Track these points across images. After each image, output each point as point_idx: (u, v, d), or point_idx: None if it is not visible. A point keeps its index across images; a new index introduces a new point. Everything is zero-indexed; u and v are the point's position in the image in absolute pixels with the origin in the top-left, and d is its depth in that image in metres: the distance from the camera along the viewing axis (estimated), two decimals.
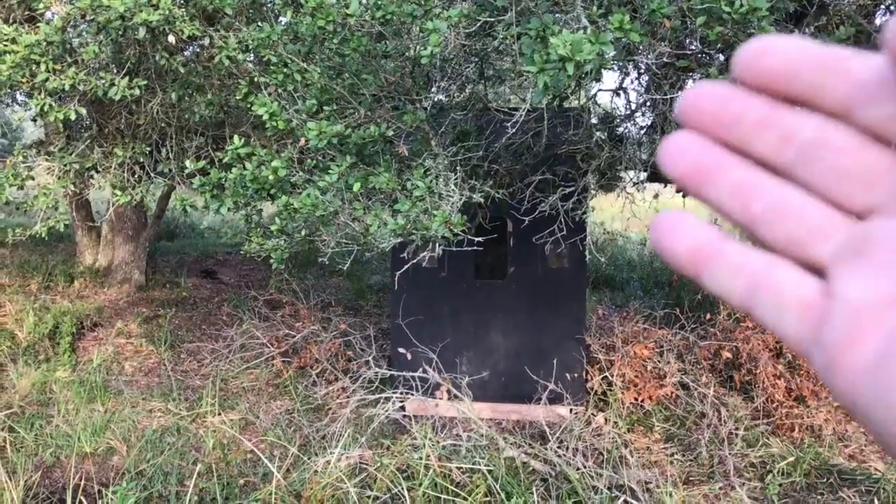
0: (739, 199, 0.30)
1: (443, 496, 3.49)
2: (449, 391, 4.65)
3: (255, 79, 3.98)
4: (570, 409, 4.75)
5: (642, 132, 4.25)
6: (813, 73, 0.29)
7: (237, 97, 4.01)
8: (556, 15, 2.57)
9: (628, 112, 4.09)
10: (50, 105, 4.38)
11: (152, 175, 5.87)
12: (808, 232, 0.29)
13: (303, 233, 3.55)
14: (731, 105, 0.31)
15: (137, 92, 4.41)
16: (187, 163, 3.89)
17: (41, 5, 4.26)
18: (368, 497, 3.48)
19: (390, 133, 3.36)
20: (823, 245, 0.28)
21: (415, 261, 3.52)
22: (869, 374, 0.25)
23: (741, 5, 2.17)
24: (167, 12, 3.94)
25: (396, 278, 4.28)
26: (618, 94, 3.84)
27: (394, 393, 4.63)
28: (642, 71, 3.87)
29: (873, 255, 0.27)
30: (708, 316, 5.18)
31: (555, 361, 4.83)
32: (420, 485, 3.53)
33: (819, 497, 3.86)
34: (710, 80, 0.32)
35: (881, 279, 0.26)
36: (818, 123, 0.29)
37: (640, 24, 2.32)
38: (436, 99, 3.71)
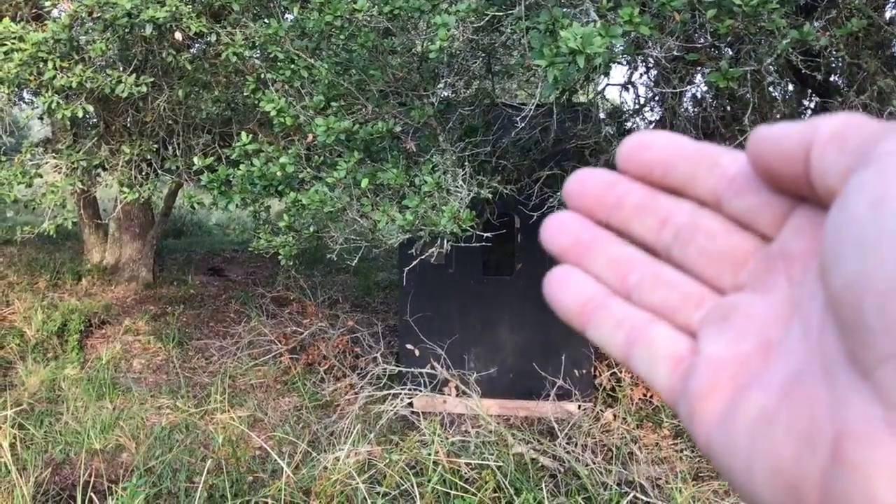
0: (616, 271, 0.34)
1: (452, 492, 3.49)
2: (457, 387, 4.64)
3: (262, 75, 3.98)
4: (579, 406, 4.74)
5: (651, 127, 4.23)
6: (688, 167, 0.32)
7: (244, 94, 4.01)
8: (565, 9, 2.55)
9: (637, 107, 4.07)
10: (57, 103, 4.39)
11: (160, 172, 5.87)
12: (680, 300, 0.32)
13: (311, 229, 3.54)
14: (613, 190, 0.34)
15: (144, 89, 4.41)
16: (195, 160, 3.89)
17: (48, 3, 4.26)
18: (378, 493, 3.48)
19: (398, 129, 3.35)
20: (694, 312, 0.32)
21: (423, 257, 3.51)
22: (719, 424, 0.28)
23: None
24: (174, 9, 3.94)
25: (404, 275, 4.27)
26: (626, 89, 3.83)
27: (402, 389, 4.63)
28: (651, 65, 3.85)
29: (735, 321, 0.30)
30: None
31: (563, 357, 4.82)
32: (429, 481, 3.53)
33: None
34: (593, 168, 0.35)
35: (740, 340, 0.29)
36: (692, 209, 0.33)
37: (650, 17, 2.30)
38: (443, 94, 3.70)
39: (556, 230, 0.35)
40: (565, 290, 0.34)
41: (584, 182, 0.35)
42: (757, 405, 0.27)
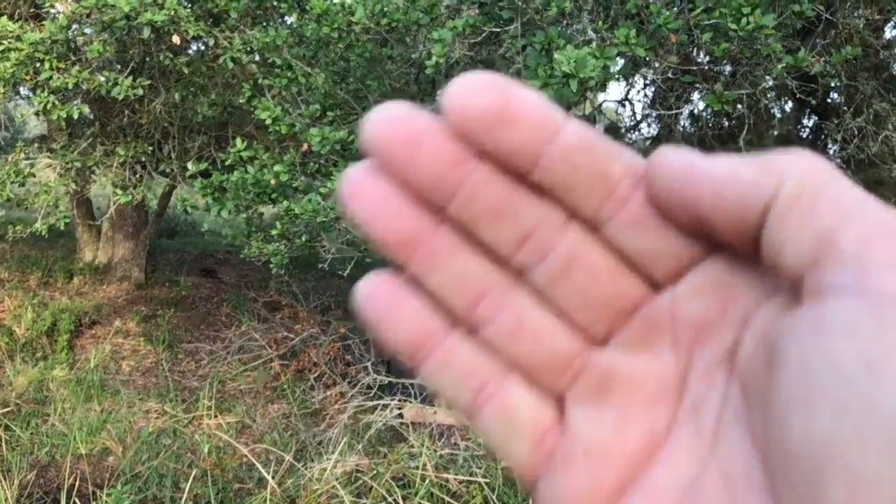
0: (464, 294, 0.25)
1: None
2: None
3: (259, 81, 3.97)
4: None
5: (647, 142, 4.23)
6: (567, 170, 0.24)
7: (241, 100, 4.00)
8: (563, 25, 2.55)
9: (633, 122, 4.08)
10: (53, 103, 4.37)
11: (154, 174, 5.85)
12: (547, 360, 0.25)
13: (303, 238, 3.53)
14: (459, 169, 0.24)
15: (140, 91, 4.39)
16: (189, 165, 3.88)
17: (47, 3, 4.25)
18: None
19: None
20: (561, 376, 0.25)
21: None
22: None
23: (748, 22, 2.15)
24: (172, 13, 3.92)
25: None
26: (623, 105, 3.83)
27: (392, 399, 4.61)
28: (648, 82, 3.86)
29: (613, 396, 0.24)
30: None
31: None
32: (416, 494, 3.51)
33: None
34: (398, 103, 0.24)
35: (622, 425, 0.24)
36: (564, 228, 0.25)
37: (646, 38, 2.30)
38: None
39: (384, 219, 0.26)
40: (391, 319, 0.26)
41: (390, 123, 0.24)
42: None
